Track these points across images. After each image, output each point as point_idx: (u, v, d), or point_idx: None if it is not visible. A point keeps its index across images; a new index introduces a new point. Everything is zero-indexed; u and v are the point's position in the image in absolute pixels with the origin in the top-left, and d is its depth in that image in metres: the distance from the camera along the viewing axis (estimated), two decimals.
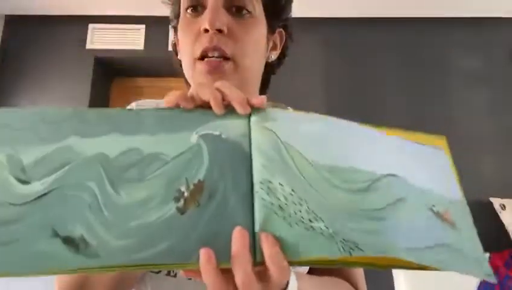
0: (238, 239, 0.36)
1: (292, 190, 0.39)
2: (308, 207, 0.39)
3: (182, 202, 0.39)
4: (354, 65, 3.20)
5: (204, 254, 0.35)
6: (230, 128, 0.43)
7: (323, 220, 0.38)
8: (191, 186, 0.40)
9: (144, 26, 3.27)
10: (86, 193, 0.39)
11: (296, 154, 0.41)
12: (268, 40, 0.70)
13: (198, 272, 0.36)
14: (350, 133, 0.45)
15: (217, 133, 0.43)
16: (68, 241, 0.38)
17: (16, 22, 3.27)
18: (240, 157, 0.41)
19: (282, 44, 0.75)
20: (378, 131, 0.46)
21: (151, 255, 0.38)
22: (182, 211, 0.40)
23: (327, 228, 0.39)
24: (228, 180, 0.40)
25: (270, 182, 0.39)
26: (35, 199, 0.38)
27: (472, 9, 3.16)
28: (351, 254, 0.36)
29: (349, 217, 0.39)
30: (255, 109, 0.44)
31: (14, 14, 3.26)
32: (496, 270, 2.37)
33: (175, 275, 0.62)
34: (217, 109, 0.42)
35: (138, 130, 0.42)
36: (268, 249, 0.35)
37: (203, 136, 0.42)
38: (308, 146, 0.42)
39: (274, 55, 0.74)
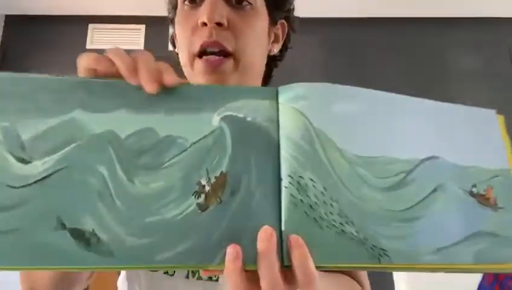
0: (265, 240, 0.33)
1: (324, 188, 0.36)
2: (340, 209, 0.36)
3: (202, 197, 0.36)
4: (354, 65, 3.18)
5: (231, 252, 0.33)
6: (256, 110, 0.38)
7: (354, 224, 0.36)
8: (213, 179, 0.36)
9: (143, 26, 3.25)
10: (94, 177, 0.34)
11: (328, 145, 0.37)
12: (270, 32, 0.67)
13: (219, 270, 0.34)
14: (386, 107, 0.41)
15: (241, 115, 0.38)
16: (77, 234, 0.34)
17: (16, 22, 3.24)
18: (266, 146, 0.37)
19: (285, 36, 0.72)
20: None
21: (171, 256, 0.35)
22: (203, 207, 0.36)
23: (358, 233, 0.37)
24: (253, 172, 0.36)
25: (301, 177, 0.36)
26: (37, 181, 0.33)
27: (472, 9, 3.15)
28: (380, 261, 0.35)
29: (379, 220, 0.36)
30: (282, 87, 0.39)
31: (14, 14, 3.23)
32: None
33: (173, 274, 0.60)
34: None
35: (152, 107, 0.37)
36: (297, 253, 0.33)
37: (226, 119, 0.38)
38: (341, 132, 0.38)
39: (276, 48, 0.70)
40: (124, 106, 0.37)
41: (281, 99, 0.39)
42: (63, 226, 0.33)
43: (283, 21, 0.71)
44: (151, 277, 0.63)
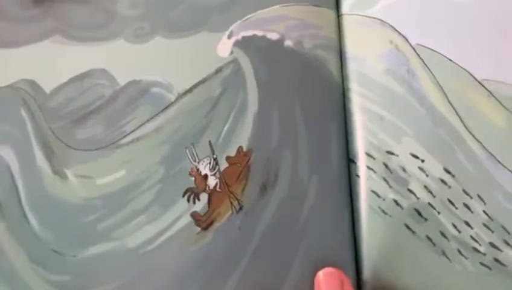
0: None
1: (447, 172, 0.20)
2: (488, 214, 0.19)
3: (203, 200, 0.20)
4: None
5: None
6: (302, 26, 0.23)
7: None
8: (223, 163, 0.20)
9: None
10: None
11: (452, 79, 0.21)
12: None
13: None
14: None
15: (273, 36, 0.22)
16: None
17: None
18: (322, 94, 0.22)
19: None
20: None
21: None
22: (203, 222, 0.20)
23: None
24: (300, 147, 0.21)
25: (390, 153, 0.20)
26: None
27: None
28: None
29: None
30: None
31: None
32: None
33: None
34: None
35: (104, 29, 0.23)
36: None
37: (245, 44, 0.22)
38: (478, 50, 0.21)
39: None
40: (56, 30, 0.22)
41: (344, 5, 0.23)
42: None
43: None
44: None
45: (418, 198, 0.20)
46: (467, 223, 0.19)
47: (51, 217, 0.19)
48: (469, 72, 0.20)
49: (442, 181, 0.20)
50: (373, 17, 0.22)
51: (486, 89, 0.20)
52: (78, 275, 0.18)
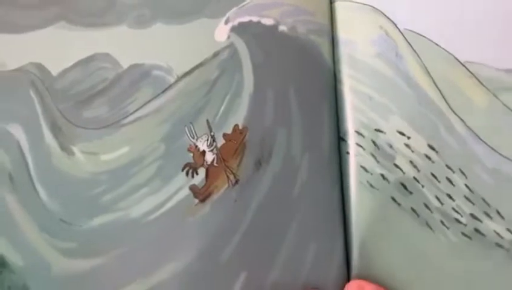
0: None
1: (431, 148, 0.20)
2: (469, 187, 0.20)
3: (201, 174, 0.21)
4: None
5: None
6: (295, 12, 0.23)
7: (503, 216, 0.20)
8: (220, 140, 0.21)
9: None
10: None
11: (437, 62, 0.21)
12: None
13: None
14: None
15: (268, 22, 0.23)
16: None
17: None
18: (314, 77, 0.23)
19: None
20: None
21: None
22: (201, 194, 0.21)
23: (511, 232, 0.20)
24: (293, 125, 0.22)
25: (379, 131, 0.21)
26: None
27: None
28: None
29: None
30: None
31: None
32: None
33: None
34: None
35: (108, 16, 0.23)
36: None
37: (241, 29, 0.23)
38: (463, 32, 0.22)
39: None
40: (62, 17, 0.23)
41: None
42: None
43: None
44: None
45: (403, 172, 0.21)
46: (449, 196, 0.20)
47: (59, 190, 0.20)
48: (453, 55, 0.21)
49: (427, 156, 0.20)
50: (364, 4, 0.23)
51: (468, 70, 0.21)
52: (84, 243, 0.19)
